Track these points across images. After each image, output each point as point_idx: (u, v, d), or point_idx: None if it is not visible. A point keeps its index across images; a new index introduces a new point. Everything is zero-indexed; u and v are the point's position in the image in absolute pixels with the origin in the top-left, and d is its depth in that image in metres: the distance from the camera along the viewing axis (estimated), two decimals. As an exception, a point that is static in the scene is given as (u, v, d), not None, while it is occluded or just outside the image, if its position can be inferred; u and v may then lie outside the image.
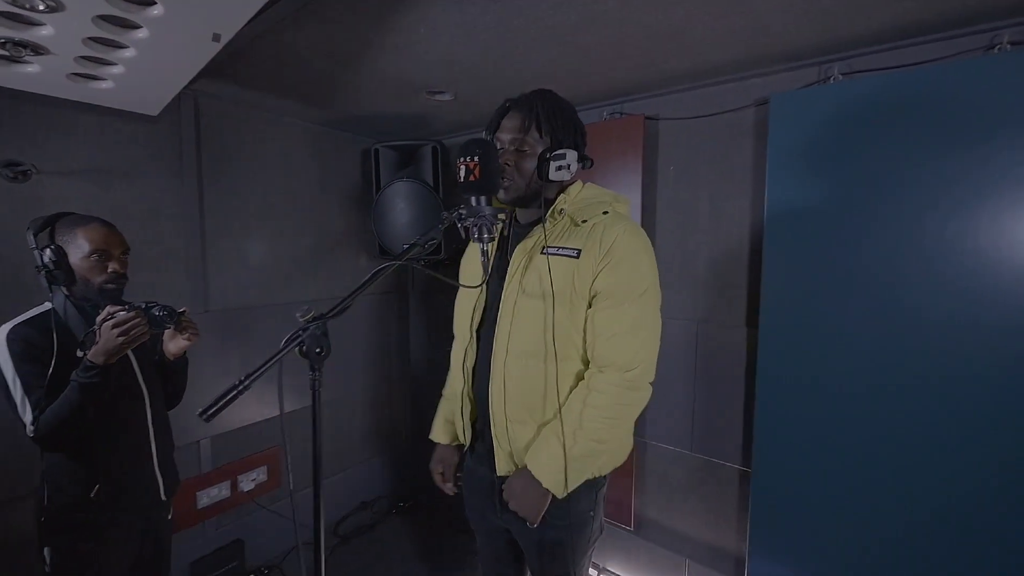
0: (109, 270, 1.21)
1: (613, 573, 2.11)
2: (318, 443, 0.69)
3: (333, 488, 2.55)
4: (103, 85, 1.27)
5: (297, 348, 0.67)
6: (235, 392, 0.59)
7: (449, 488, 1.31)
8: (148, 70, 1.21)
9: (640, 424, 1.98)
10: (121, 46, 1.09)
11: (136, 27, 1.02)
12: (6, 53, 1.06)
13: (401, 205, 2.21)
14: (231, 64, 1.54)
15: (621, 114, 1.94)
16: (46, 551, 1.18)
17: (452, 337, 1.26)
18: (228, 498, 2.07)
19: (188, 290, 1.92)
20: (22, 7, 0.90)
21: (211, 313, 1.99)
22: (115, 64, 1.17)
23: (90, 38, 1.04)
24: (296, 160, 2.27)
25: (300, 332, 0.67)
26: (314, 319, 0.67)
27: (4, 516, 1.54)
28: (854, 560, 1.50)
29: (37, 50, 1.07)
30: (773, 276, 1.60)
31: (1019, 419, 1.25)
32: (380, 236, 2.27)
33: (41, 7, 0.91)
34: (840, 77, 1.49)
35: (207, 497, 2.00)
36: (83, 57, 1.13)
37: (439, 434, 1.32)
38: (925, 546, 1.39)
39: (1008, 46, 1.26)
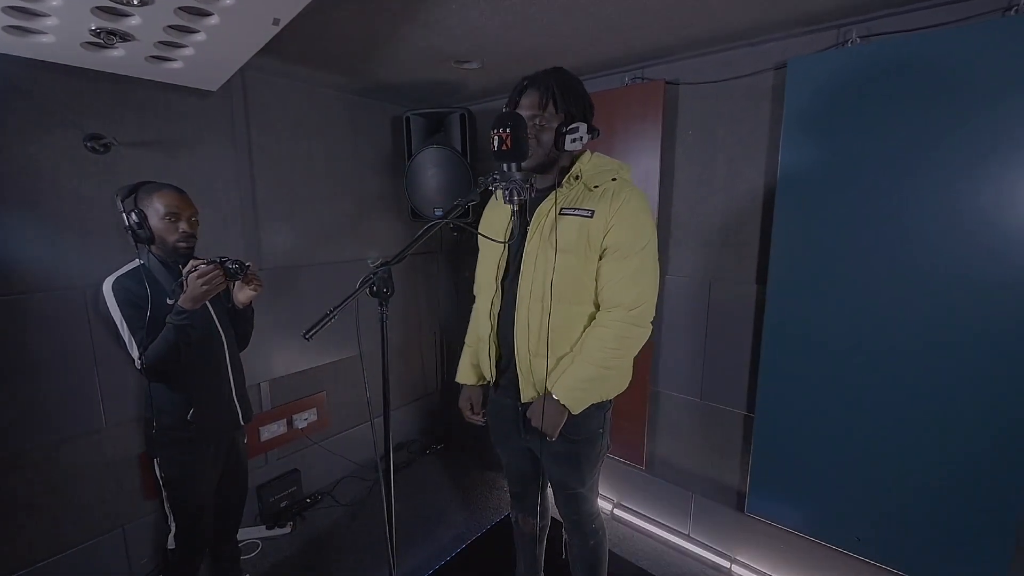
0: (180, 230, 1.41)
1: (627, 507, 2.34)
2: (386, 368, 0.87)
3: (376, 429, 2.84)
4: (174, 65, 1.43)
5: (368, 288, 0.84)
6: (327, 320, 0.77)
7: (478, 419, 1.52)
8: (214, 52, 1.37)
9: (653, 374, 2.15)
10: (194, 31, 1.24)
11: (208, 14, 1.17)
12: (99, 41, 1.23)
13: (432, 170, 2.34)
14: (277, 41, 1.66)
15: (642, 79, 2.00)
16: (156, 461, 1.45)
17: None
18: (285, 433, 2.36)
19: (243, 251, 2.13)
20: (120, 2, 1.06)
21: (264, 271, 2.20)
22: (187, 47, 1.32)
23: (170, 26, 1.19)
24: (332, 128, 2.42)
25: (371, 276, 0.84)
26: (381, 265, 0.83)
27: (122, 434, 1.85)
28: (844, 499, 1.66)
29: (124, 37, 1.23)
30: (783, 235, 1.69)
31: (1018, 377, 1.33)
32: (412, 200, 2.42)
33: (135, 1, 1.06)
34: (858, 40, 1.53)
35: (268, 432, 2.29)
36: (161, 42, 1.28)
37: (464, 376, 1.51)
38: (913, 493, 1.52)
39: (1025, 7, 1.29)
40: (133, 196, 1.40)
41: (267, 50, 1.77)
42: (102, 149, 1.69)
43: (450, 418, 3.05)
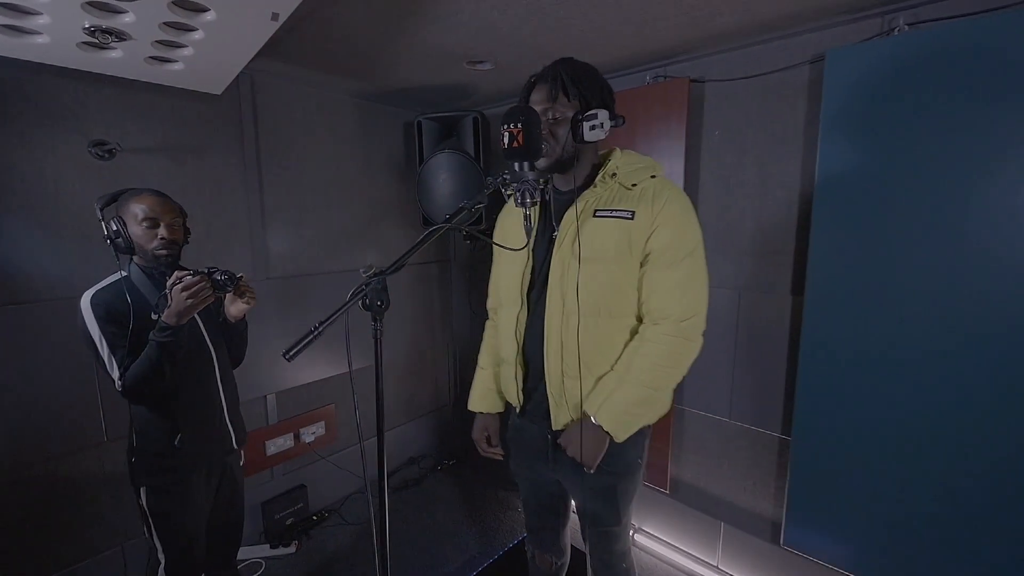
0: (159, 236, 1.28)
1: (649, 533, 2.18)
2: (380, 388, 0.77)
3: (385, 443, 2.75)
4: (175, 67, 1.38)
5: (360, 301, 0.74)
6: (311, 337, 0.68)
7: (496, 454, 1.35)
8: (214, 51, 1.31)
9: (678, 391, 2.01)
10: (191, 29, 1.18)
11: (204, 10, 1.11)
12: (95, 40, 1.18)
13: (444, 176, 2.27)
14: (283, 42, 1.62)
15: (665, 77, 1.89)
16: (141, 490, 1.34)
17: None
18: (292, 448, 2.28)
19: (250, 259, 2.08)
20: (109, -4, 1.00)
21: (271, 280, 2.15)
22: (185, 46, 1.27)
23: (165, 23, 1.14)
24: (343, 134, 2.36)
25: (363, 287, 0.74)
26: (375, 275, 0.74)
27: (123, 448, 1.76)
28: (893, 532, 1.49)
29: (120, 36, 1.18)
30: (823, 243, 1.55)
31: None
32: (424, 207, 2.35)
33: (125, -5, 1.00)
34: (906, 28, 1.39)
35: (274, 446, 2.21)
36: (158, 41, 1.23)
37: (479, 403, 1.36)
38: (975, 527, 1.35)
39: (1105, -16, 1.14)
40: (115, 205, 1.29)
41: (275, 53, 1.74)
42: (107, 155, 1.65)
43: (463, 435, 2.94)
